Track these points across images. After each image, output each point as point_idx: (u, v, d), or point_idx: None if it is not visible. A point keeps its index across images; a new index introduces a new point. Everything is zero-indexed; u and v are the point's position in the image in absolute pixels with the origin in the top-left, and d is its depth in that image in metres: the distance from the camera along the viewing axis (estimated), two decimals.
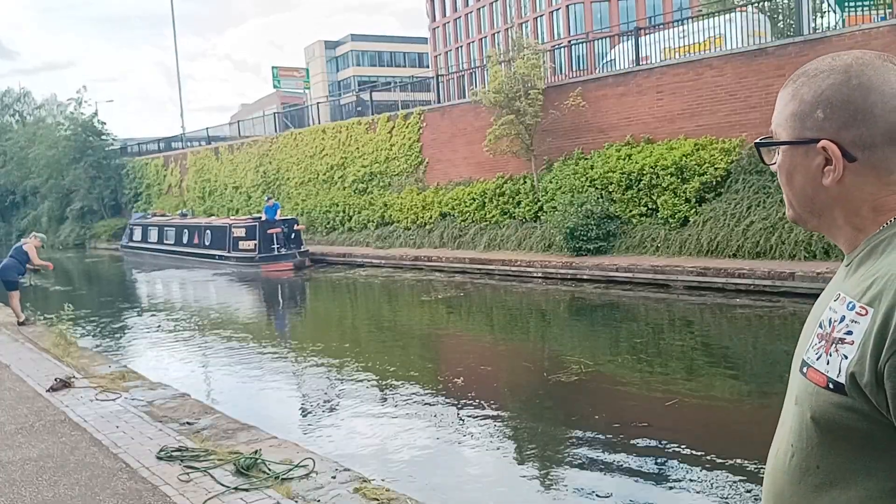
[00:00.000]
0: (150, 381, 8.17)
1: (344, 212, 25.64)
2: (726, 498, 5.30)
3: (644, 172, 16.06)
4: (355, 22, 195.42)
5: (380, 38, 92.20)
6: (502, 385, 9.13)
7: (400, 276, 19.16)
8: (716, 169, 15.12)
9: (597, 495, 5.59)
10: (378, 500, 4.58)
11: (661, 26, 22.56)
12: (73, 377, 7.96)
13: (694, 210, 15.27)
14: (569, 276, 15.92)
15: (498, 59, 20.32)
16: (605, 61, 20.45)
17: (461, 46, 75.41)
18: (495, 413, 7.66)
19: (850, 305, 1.02)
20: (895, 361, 0.93)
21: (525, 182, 19.39)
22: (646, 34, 20.28)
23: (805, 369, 1.06)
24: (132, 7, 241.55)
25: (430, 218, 21.95)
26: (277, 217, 23.37)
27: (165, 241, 28.94)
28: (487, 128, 19.21)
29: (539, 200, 18.64)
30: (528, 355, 10.88)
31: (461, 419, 7.59)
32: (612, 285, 14.83)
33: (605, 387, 8.54)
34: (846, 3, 15.82)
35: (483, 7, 71.53)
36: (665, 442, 6.51)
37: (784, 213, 1.23)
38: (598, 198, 16.51)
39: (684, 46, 17.90)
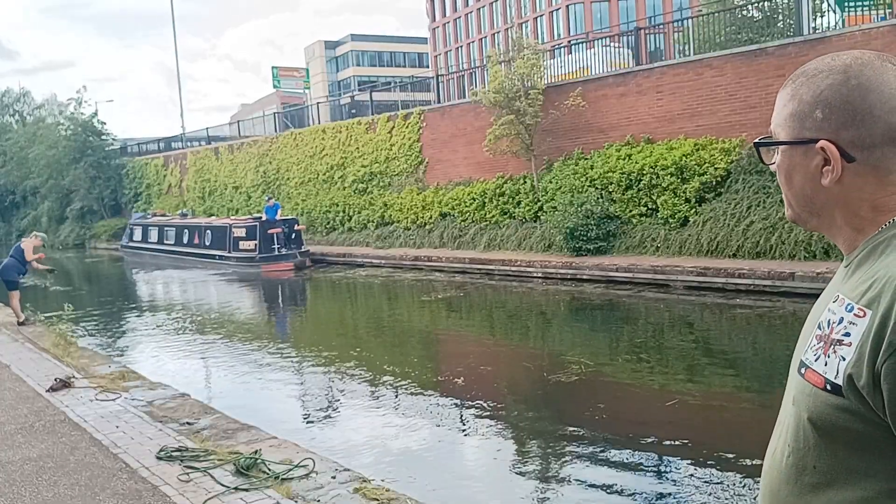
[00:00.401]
0: (150, 381, 8.17)
1: (344, 212, 25.64)
2: (726, 497, 5.30)
3: (644, 172, 16.06)
4: (355, 22, 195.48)
5: (380, 38, 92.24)
6: (502, 385, 9.13)
7: (400, 276, 19.16)
8: (716, 169, 15.12)
9: (597, 495, 5.59)
10: (378, 500, 4.58)
11: (663, 25, 22.61)
12: (73, 377, 7.96)
13: (694, 210, 15.27)
14: (569, 276, 15.92)
15: (498, 59, 20.33)
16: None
17: (461, 46, 75.42)
18: (495, 413, 7.65)
19: (849, 307, 1.02)
20: (892, 363, 0.93)
21: (525, 182, 19.39)
22: (647, 34, 20.29)
23: (803, 370, 1.07)
24: (132, 7, 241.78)
25: (430, 218, 21.95)
26: (278, 217, 23.37)
27: (165, 241, 28.94)
28: (487, 128, 19.21)
29: (539, 200, 18.64)
30: (528, 355, 10.87)
31: (461, 419, 7.59)
32: (612, 285, 14.83)
33: (605, 387, 8.54)
34: (846, 3, 15.82)
35: (483, 7, 71.55)
36: (665, 442, 6.51)
37: (784, 213, 1.23)
38: (598, 198, 16.51)
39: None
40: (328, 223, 26.25)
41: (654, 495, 5.50)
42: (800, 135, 1.10)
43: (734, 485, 5.47)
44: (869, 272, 1.04)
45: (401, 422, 7.54)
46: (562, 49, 22.25)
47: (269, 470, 5.03)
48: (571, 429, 7.03)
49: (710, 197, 15.17)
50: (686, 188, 15.35)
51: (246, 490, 4.71)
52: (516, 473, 6.18)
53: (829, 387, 1.01)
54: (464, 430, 7.29)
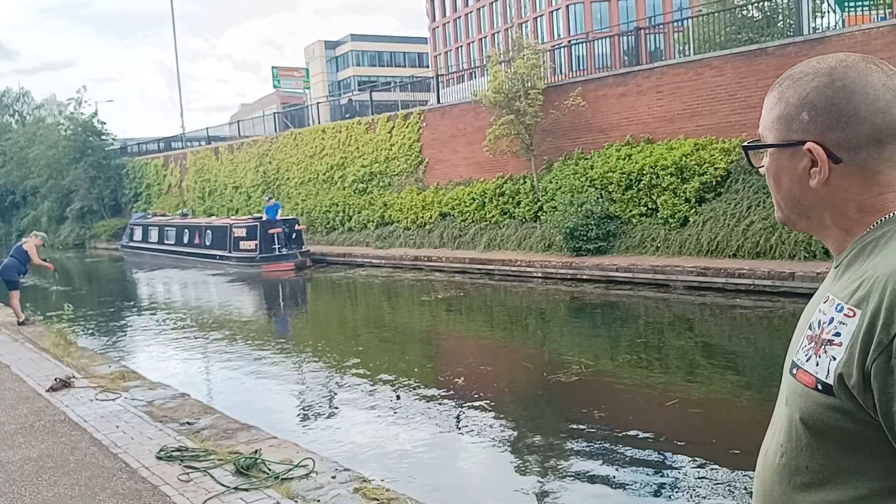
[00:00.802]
0: (150, 381, 8.17)
1: (344, 212, 25.64)
2: (726, 497, 5.30)
3: (644, 172, 16.06)
4: (355, 22, 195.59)
5: (380, 38, 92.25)
6: (502, 385, 9.13)
7: (400, 276, 19.16)
8: (716, 169, 15.12)
9: (596, 495, 5.60)
10: (378, 500, 4.58)
11: (663, 25, 22.58)
12: (73, 377, 7.96)
13: (694, 210, 15.27)
14: (569, 276, 15.92)
15: (498, 59, 20.33)
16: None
17: (461, 46, 75.42)
18: (495, 413, 7.65)
19: (839, 307, 1.03)
20: (881, 362, 0.94)
21: (525, 182, 19.39)
22: (646, 34, 20.29)
23: (795, 370, 1.08)
24: (132, 7, 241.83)
25: (430, 218, 21.95)
26: (278, 217, 23.37)
27: (166, 241, 28.93)
28: (487, 128, 19.21)
29: (539, 200, 18.64)
30: (528, 355, 10.87)
31: (461, 419, 7.59)
32: (612, 285, 14.83)
33: (605, 387, 8.54)
34: (846, 3, 15.82)
35: (483, 7, 71.54)
36: (665, 441, 6.51)
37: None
38: (597, 198, 16.51)
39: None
40: (328, 223, 26.25)
41: (654, 495, 5.50)
42: (787, 137, 1.11)
43: (733, 484, 5.47)
44: (858, 272, 1.05)
45: (401, 422, 7.54)
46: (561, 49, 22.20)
47: (269, 470, 5.03)
48: (571, 428, 7.03)
49: (710, 197, 15.17)
50: (686, 188, 15.35)
51: (246, 490, 4.71)
52: (516, 473, 6.18)
53: (820, 386, 1.02)
54: (464, 430, 7.29)
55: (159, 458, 5.34)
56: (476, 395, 8.24)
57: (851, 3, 15.79)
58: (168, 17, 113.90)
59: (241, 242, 23.67)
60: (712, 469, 5.77)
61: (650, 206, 16.10)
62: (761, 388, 8.08)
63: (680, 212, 15.43)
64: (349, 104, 33.49)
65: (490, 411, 7.68)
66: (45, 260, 12.82)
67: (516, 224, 19.10)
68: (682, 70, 16.61)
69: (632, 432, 6.77)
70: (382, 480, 5.39)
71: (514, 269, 17.23)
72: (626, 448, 6.35)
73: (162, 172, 39.27)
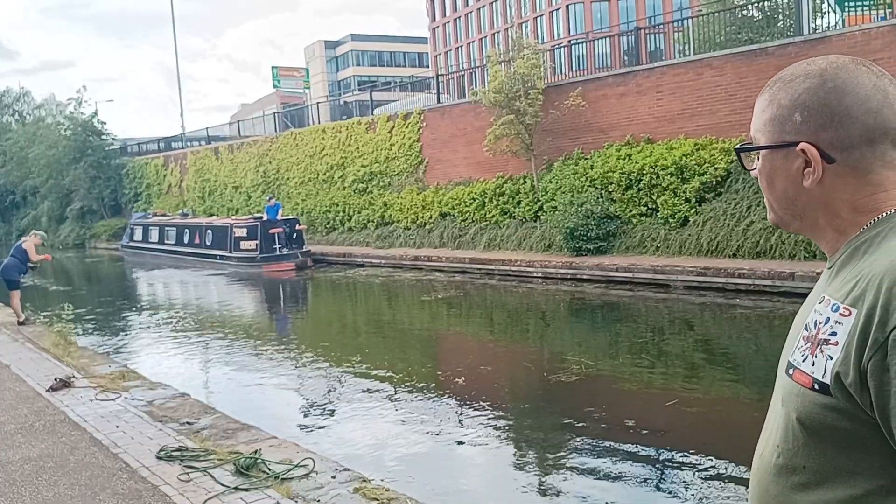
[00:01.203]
0: (150, 381, 8.17)
1: (344, 212, 25.64)
2: (725, 496, 5.31)
3: (644, 172, 16.06)
4: (355, 22, 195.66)
5: (380, 38, 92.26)
6: (502, 385, 9.13)
7: (400, 276, 19.16)
8: (716, 169, 15.12)
9: (596, 495, 5.60)
10: (378, 499, 4.58)
11: (663, 25, 22.59)
12: (73, 377, 7.96)
13: (694, 210, 15.27)
14: (569, 276, 15.92)
15: (498, 59, 20.32)
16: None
17: (461, 46, 75.41)
18: (495, 413, 7.66)
19: (835, 307, 1.04)
20: (877, 360, 0.95)
21: (525, 182, 19.39)
22: (646, 34, 20.29)
23: (791, 371, 1.08)
24: (132, 7, 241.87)
25: (430, 218, 21.95)
26: (279, 217, 23.37)
27: (166, 241, 28.94)
28: (487, 128, 19.21)
29: (539, 200, 18.64)
30: (528, 355, 10.88)
31: (461, 419, 7.59)
32: (612, 285, 14.83)
33: (605, 387, 8.54)
34: (846, 3, 15.82)
35: (483, 7, 71.54)
36: (665, 441, 6.51)
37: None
38: (597, 198, 16.51)
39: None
40: (328, 223, 26.26)
41: (654, 494, 5.51)
42: (780, 138, 1.12)
43: (733, 484, 5.47)
44: (852, 272, 1.05)
45: (401, 422, 7.54)
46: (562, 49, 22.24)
47: (269, 470, 5.04)
48: (571, 428, 7.03)
49: (710, 197, 15.17)
50: (686, 188, 15.36)
51: (246, 490, 4.71)
52: (516, 473, 6.18)
53: (816, 386, 1.02)
54: (464, 430, 7.28)
55: (159, 458, 5.34)
56: (476, 395, 8.24)
57: (851, 3, 15.80)
58: (168, 17, 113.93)
59: (242, 242, 23.68)
60: (712, 469, 5.77)
61: (650, 206, 16.10)
62: (761, 387, 8.07)
63: (680, 212, 15.44)
64: (345, 106, 33.51)
65: (490, 411, 7.69)
66: (44, 260, 12.91)
67: (516, 224, 19.11)
68: (682, 70, 16.61)
69: (632, 432, 6.77)
70: (382, 480, 5.40)
71: (514, 269, 17.23)
72: (626, 448, 6.35)
73: (162, 172, 39.27)
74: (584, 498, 5.60)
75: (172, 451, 5.46)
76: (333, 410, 8.26)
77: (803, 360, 1.06)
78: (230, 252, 24.11)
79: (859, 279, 1.02)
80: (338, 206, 25.92)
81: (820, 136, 1.07)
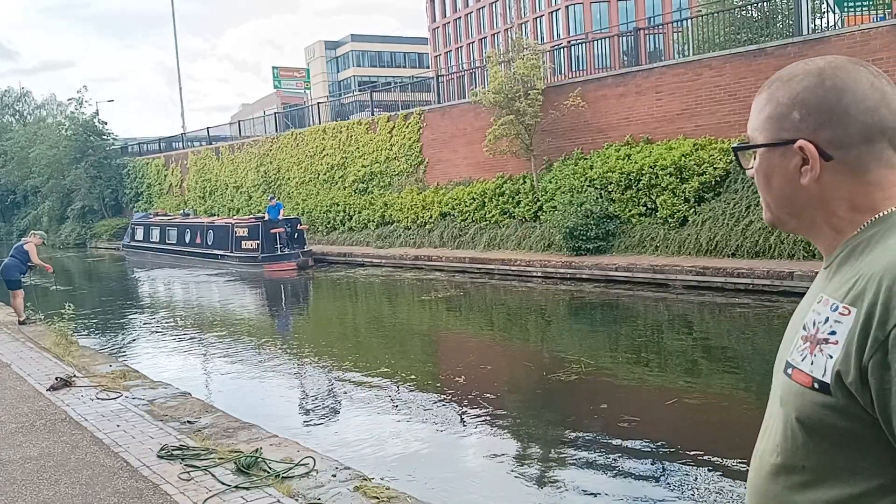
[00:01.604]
0: (151, 380, 8.20)
1: (344, 211, 25.66)
2: (725, 497, 5.32)
3: (643, 172, 16.08)
4: (355, 22, 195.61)
5: (380, 38, 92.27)
6: (502, 384, 9.15)
7: (400, 276, 19.18)
8: (715, 169, 15.14)
9: (596, 494, 5.62)
10: (378, 498, 4.60)
11: (662, 25, 22.58)
12: (74, 376, 7.98)
13: (693, 210, 15.29)
14: (568, 276, 15.94)
15: (498, 60, 20.33)
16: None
17: (461, 47, 75.41)
18: (495, 411, 7.67)
19: (834, 307, 1.04)
20: (878, 358, 0.95)
21: (525, 182, 19.41)
22: (646, 35, 20.30)
23: (790, 370, 1.08)
24: (132, 7, 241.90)
25: (430, 217, 21.97)
26: (280, 217, 23.38)
27: (167, 241, 28.95)
28: (487, 128, 19.23)
29: (539, 200, 18.66)
30: (527, 354, 10.90)
31: (461, 418, 7.61)
32: (612, 285, 14.85)
33: (604, 386, 8.56)
34: (845, 4, 15.83)
35: (483, 7, 71.53)
36: (664, 441, 6.53)
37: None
38: (597, 197, 16.53)
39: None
40: (329, 223, 26.27)
41: (653, 494, 5.52)
42: (778, 136, 1.13)
43: (731, 483, 5.49)
44: (851, 271, 1.05)
45: (401, 420, 7.56)
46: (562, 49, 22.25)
47: (270, 468, 5.06)
48: (571, 427, 7.06)
49: (710, 196, 15.18)
50: (685, 188, 15.37)
51: (247, 488, 4.73)
52: (516, 472, 6.20)
53: (816, 385, 1.02)
54: (464, 429, 7.31)
55: (160, 457, 5.36)
56: (476, 394, 8.26)
57: (850, 4, 15.80)
58: (168, 17, 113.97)
59: (243, 242, 23.69)
60: (711, 468, 5.79)
61: (649, 206, 16.12)
62: (760, 386, 8.09)
63: (679, 211, 15.45)
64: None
65: (490, 410, 7.70)
66: (44, 261, 12.94)
67: (516, 224, 19.13)
68: (682, 70, 16.62)
69: (631, 431, 6.79)
70: (383, 479, 5.42)
71: (513, 268, 17.25)
72: (626, 447, 6.37)
73: (163, 172, 39.29)
74: (583, 496, 5.62)
75: (173, 449, 5.48)
76: (334, 409, 8.28)
77: (802, 360, 1.06)
78: (231, 252, 24.12)
79: (858, 278, 1.02)
80: (338, 205, 25.94)
81: (818, 134, 1.08)
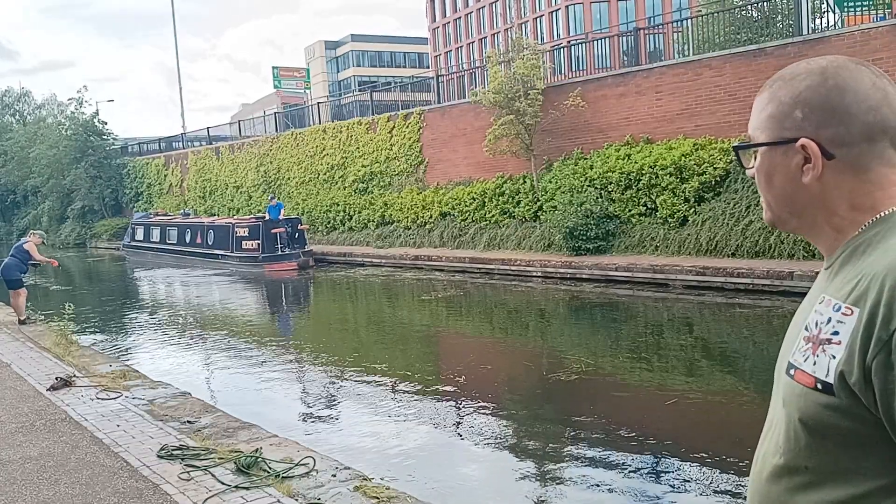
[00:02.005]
0: (151, 380, 8.20)
1: (344, 211, 25.66)
2: (725, 497, 5.33)
3: (643, 172, 16.08)
4: (355, 22, 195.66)
5: (380, 38, 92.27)
6: (502, 384, 9.15)
7: (400, 276, 19.18)
8: (715, 169, 15.14)
9: (596, 494, 5.62)
10: (378, 498, 4.60)
11: (662, 25, 22.58)
12: (74, 376, 7.98)
13: (693, 210, 15.29)
14: (568, 276, 15.94)
15: (498, 60, 20.33)
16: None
17: (461, 47, 75.41)
18: (495, 411, 7.68)
19: (836, 307, 1.03)
20: (881, 358, 0.95)
21: (525, 182, 19.41)
22: (646, 35, 20.29)
23: (792, 371, 1.08)
24: (132, 7, 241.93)
25: (430, 217, 21.98)
26: (281, 217, 23.38)
27: (168, 241, 28.95)
28: (487, 128, 19.23)
29: (539, 200, 18.66)
30: (527, 354, 10.90)
31: (461, 417, 7.61)
32: (612, 285, 14.85)
33: (604, 386, 8.56)
34: (845, 4, 15.83)
35: (483, 7, 71.53)
36: (664, 440, 6.54)
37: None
38: (597, 197, 16.53)
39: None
40: (329, 223, 26.28)
41: (653, 493, 5.52)
42: (780, 135, 1.12)
43: (732, 483, 5.49)
44: (853, 272, 1.05)
45: (401, 420, 7.56)
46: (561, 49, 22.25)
47: (270, 468, 5.06)
48: (571, 427, 7.06)
49: (709, 196, 15.19)
50: (685, 188, 15.38)
51: (247, 488, 4.73)
52: (516, 471, 6.20)
53: (819, 386, 1.02)
54: (464, 429, 7.31)
55: (160, 457, 5.37)
56: (476, 394, 8.26)
57: (850, 4, 15.80)
58: (168, 17, 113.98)
59: (244, 242, 23.69)
60: (711, 468, 5.79)
61: (649, 206, 16.12)
62: (760, 386, 8.10)
63: (679, 211, 15.46)
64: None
65: (490, 409, 7.71)
66: (48, 257, 13.00)
67: (516, 224, 19.13)
68: (682, 70, 16.63)
69: (631, 431, 6.79)
70: (382, 479, 5.42)
71: (513, 268, 17.25)
72: (625, 446, 6.38)
73: (163, 172, 39.30)
74: (582, 496, 5.62)
75: (173, 449, 5.48)
76: (334, 409, 8.28)
77: (805, 361, 1.05)
78: (232, 252, 24.13)
79: (861, 278, 1.02)
80: (338, 205, 25.94)
81: (821, 132, 1.08)
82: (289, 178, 29.29)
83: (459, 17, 75.71)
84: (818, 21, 16.84)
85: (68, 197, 42.41)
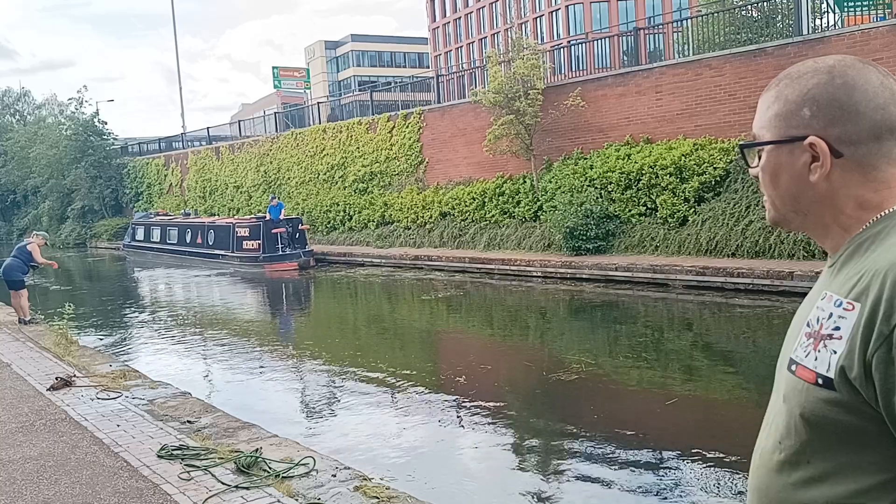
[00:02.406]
0: (151, 380, 8.20)
1: (344, 211, 25.67)
2: (725, 496, 5.33)
3: (643, 172, 16.08)
4: (355, 22, 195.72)
5: (380, 38, 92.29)
6: (502, 384, 9.15)
7: (400, 276, 19.18)
8: (715, 169, 15.14)
9: (596, 492, 5.62)
10: (378, 498, 4.61)
11: (662, 25, 22.59)
12: (74, 376, 7.98)
13: (693, 210, 15.30)
14: (568, 276, 15.94)
15: (497, 60, 20.34)
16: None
17: (461, 47, 75.41)
18: (495, 411, 7.68)
19: (838, 303, 1.04)
20: (882, 353, 0.95)
21: (525, 182, 19.42)
22: (646, 35, 20.30)
23: (793, 367, 1.08)
24: (132, 7, 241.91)
25: (430, 217, 21.98)
26: (281, 217, 23.38)
27: (168, 241, 28.96)
28: (487, 128, 19.24)
29: (539, 200, 18.67)
30: (528, 354, 10.90)
31: (461, 418, 7.62)
32: (612, 285, 14.85)
33: (604, 385, 8.56)
34: (845, 4, 15.84)
35: (483, 7, 71.53)
36: (664, 440, 6.54)
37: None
38: (597, 197, 16.53)
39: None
40: (329, 223, 26.29)
41: (653, 494, 5.53)
42: (786, 133, 1.12)
43: (732, 481, 5.50)
44: (855, 268, 1.06)
45: (401, 420, 7.56)
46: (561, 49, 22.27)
47: (270, 468, 5.06)
48: (571, 427, 7.06)
49: (709, 196, 15.19)
50: (685, 188, 15.38)
51: (247, 488, 4.74)
52: (516, 471, 6.20)
53: (821, 381, 1.02)
54: (464, 429, 7.31)
55: (160, 457, 5.37)
56: (476, 394, 8.26)
57: (850, 4, 15.81)
58: (168, 17, 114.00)
59: (245, 242, 23.70)
60: (711, 467, 5.79)
61: (649, 206, 16.12)
62: (760, 386, 8.10)
63: (679, 211, 15.46)
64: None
65: (490, 409, 7.71)
66: (48, 259, 13.03)
67: (516, 224, 19.13)
68: (682, 70, 16.63)
69: (631, 431, 6.80)
70: (382, 479, 5.42)
71: (513, 268, 17.26)
72: (626, 446, 6.38)
73: (163, 172, 39.30)
74: (582, 496, 5.62)
75: (173, 449, 5.48)
76: (334, 409, 8.28)
77: (806, 356, 1.06)
78: (233, 252, 24.13)
79: (863, 274, 1.02)
80: (338, 205, 25.95)
81: (829, 131, 1.08)
82: (289, 178, 29.29)
83: (459, 17, 75.71)
84: (818, 21, 16.85)
85: (68, 197, 42.41)
